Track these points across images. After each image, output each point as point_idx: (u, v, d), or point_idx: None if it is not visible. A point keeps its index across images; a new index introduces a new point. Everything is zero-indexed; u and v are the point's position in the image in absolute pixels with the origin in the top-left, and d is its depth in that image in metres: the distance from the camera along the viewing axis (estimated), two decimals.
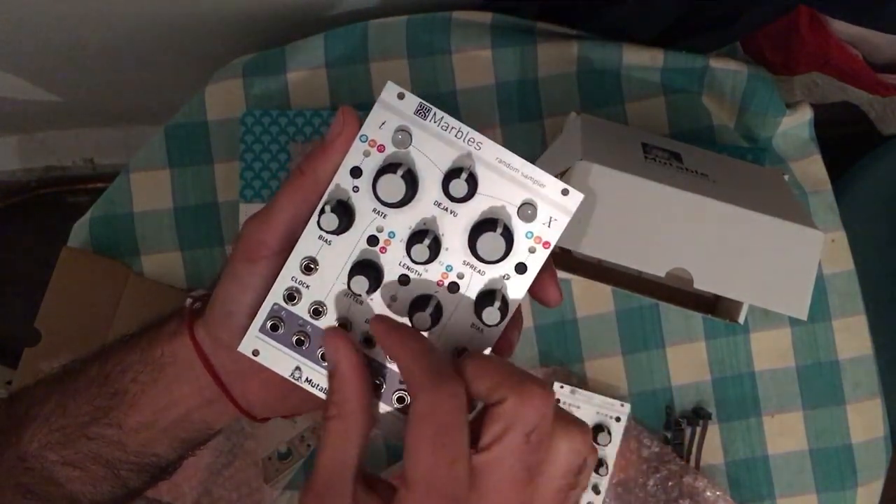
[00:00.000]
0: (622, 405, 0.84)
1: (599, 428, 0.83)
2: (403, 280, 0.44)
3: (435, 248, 0.43)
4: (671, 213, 0.62)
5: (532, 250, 0.44)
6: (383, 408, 0.45)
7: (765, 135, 0.87)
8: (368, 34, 0.87)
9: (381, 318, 0.44)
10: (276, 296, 0.45)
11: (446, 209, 0.43)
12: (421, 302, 0.44)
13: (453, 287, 0.44)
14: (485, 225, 0.42)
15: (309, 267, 0.44)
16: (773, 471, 0.87)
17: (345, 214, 0.43)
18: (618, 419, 0.84)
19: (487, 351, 0.45)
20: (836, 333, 0.87)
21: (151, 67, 1.05)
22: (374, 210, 0.43)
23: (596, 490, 0.83)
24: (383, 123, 0.42)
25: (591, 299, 0.87)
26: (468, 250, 0.43)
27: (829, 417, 0.87)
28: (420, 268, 0.44)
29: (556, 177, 0.44)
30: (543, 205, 0.43)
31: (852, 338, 0.87)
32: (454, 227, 0.43)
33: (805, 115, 0.87)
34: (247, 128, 0.85)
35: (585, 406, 0.84)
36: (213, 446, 0.83)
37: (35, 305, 0.86)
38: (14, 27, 0.84)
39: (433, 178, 0.43)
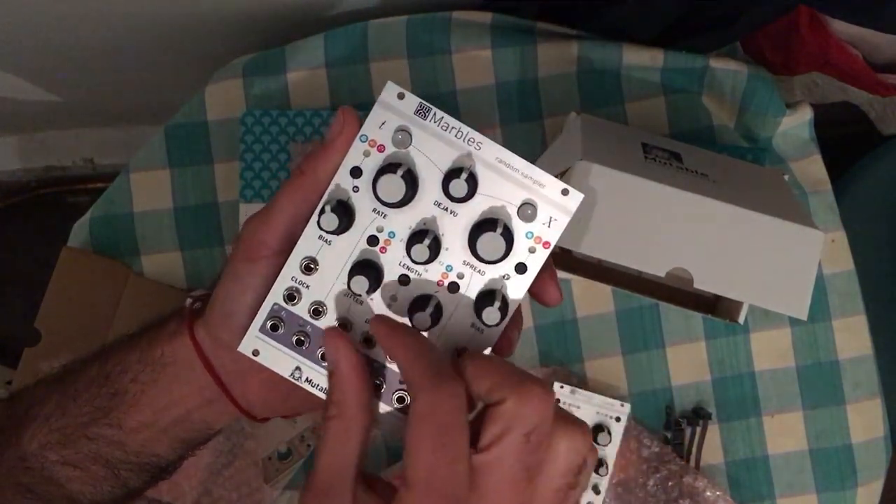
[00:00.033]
0: (622, 405, 0.84)
1: (599, 428, 0.83)
2: (403, 280, 0.44)
3: (435, 248, 0.43)
4: (671, 213, 0.62)
5: (532, 250, 0.44)
6: (383, 408, 0.45)
7: (765, 135, 0.87)
8: (368, 34, 0.87)
9: (381, 318, 0.44)
10: (276, 296, 0.45)
11: (446, 209, 0.43)
12: (421, 302, 0.44)
13: (453, 287, 0.44)
14: (485, 225, 0.42)
15: (309, 267, 0.44)
16: (773, 471, 0.87)
17: (345, 214, 0.43)
18: (618, 419, 0.84)
19: (487, 351, 0.45)
20: (836, 333, 0.87)
21: (151, 67, 1.05)
22: (374, 210, 0.43)
23: (596, 490, 0.83)
24: (383, 123, 0.42)
25: (591, 299, 0.87)
26: (468, 250, 0.43)
27: (829, 417, 0.87)
28: (420, 268, 0.44)
29: (556, 177, 0.44)
30: (543, 205, 0.43)
31: (852, 338, 0.87)
32: (454, 227, 0.43)
33: (805, 115, 0.87)
34: (247, 128, 0.85)
35: (585, 406, 0.84)
36: (213, 446, 0.83)
37: (35, 305, 0.86)
38: (14, 27, 0.84)
39: (433, 178, 0.43)
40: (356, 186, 0.43)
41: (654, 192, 0.62)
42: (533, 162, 0.43)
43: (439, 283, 0.44)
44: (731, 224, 0.62)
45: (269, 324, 0.45)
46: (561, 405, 0.83)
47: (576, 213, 0.43)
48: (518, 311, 0.46)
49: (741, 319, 0.72)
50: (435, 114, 0.42)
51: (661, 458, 0.86)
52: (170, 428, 0.51)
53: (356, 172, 0.43)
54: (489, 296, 0.43)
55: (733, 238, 0.62)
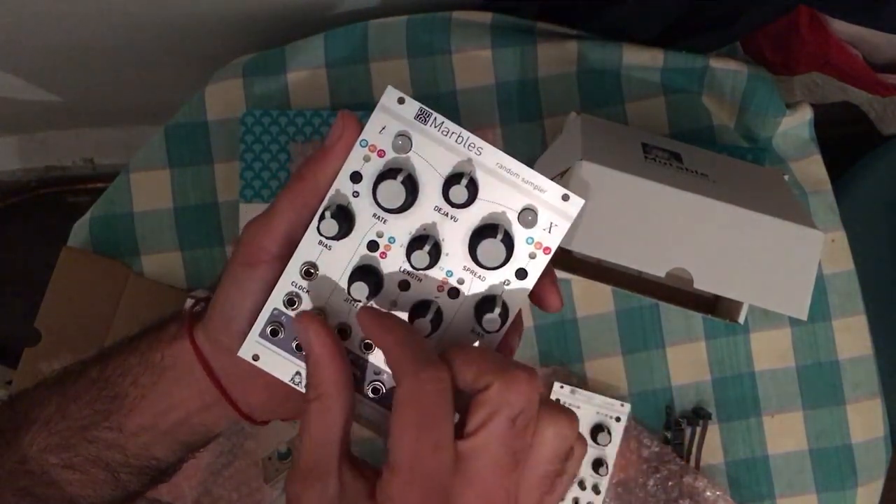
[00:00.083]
0: (622, 405, 0.84)
1: (599, 428, 0.84)
2: (403, 285, 0.44)
3: (435, 254, 0.43)
4: (671, 213, 0.62)
5: (532, 256, 0.43)
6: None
7: (765, 135, 0.87)
8: (368, 34, 0.87)
9: (367, 308, 0.44)
10: (276, 301, 0.45)
11: (447, 214, 0.43)
12: (421, 307, 0.44)
13: (453, 293, 0.44)
14: (485, 231, 0.42)
15: (309, 272, 0.44)
16: (773, 471, 0.87)
17: (345, 220, 0.42)
18: (618, 419, 0.84)
19: None
20: (836, 333, 0.87)
21: (151, 67, 1.05)
22: (375, 215, 0.43)
23: (596, 490, 0.83)
24: (383, 128, 0.42)
25: (591, 299, 0.87)
26: (468, 256, 0.43)
27: (829, 417, 0.87)
28: (420, 273, 0.44)
29: (556, 177, 0.44)
30: (544, 210, 0.43)
31: (852, 338, 0.87)
32: (454, 233, 0.43)
33: (805, 115, 0.87)
34: (247, 128, 0.85)
35: (585, 406, 0.84)
36: (213, 447, 0.83)
37: (35, 305, 0.86)
38: (14, 27, 0.84)
39: (433, 184, 0.43)
40: (356, 191, 0.43)
41: (654, 192, 0.62)
42: (533, 162, 0.43)
43: (439, 289, 0.44)
44: (731, 224, 0.62)
45: (269, 329, 0.45)
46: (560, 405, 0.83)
47: (576, 218, 0.43)
48: (518, 316, 0.45)
49: (741, 319, 0.72)
50: (435, 119, 0.42)
51: (661, 458, 0.86)
52: (170, 431, 0.51)
53: (356, 177, 0.43)
54: (489, 302, 0.43)
55: (733, 238, 0.62)
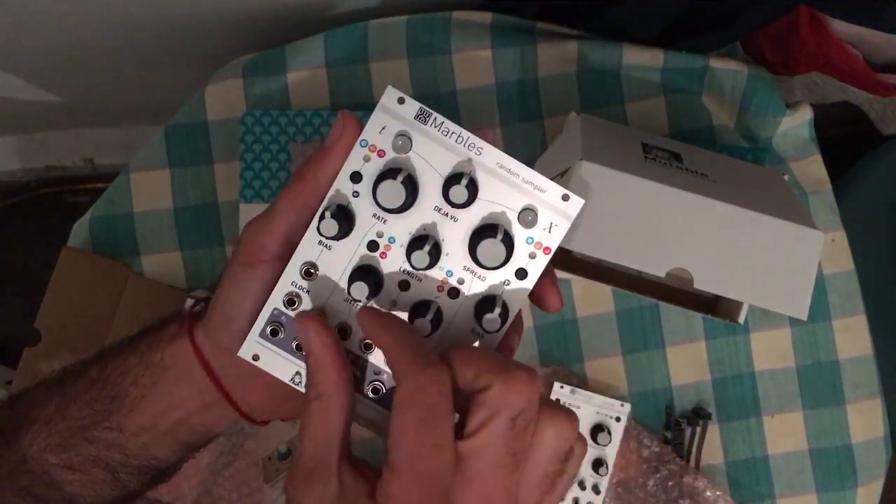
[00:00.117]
0: (622, 405, 0.84)
1: (599, 428, 0.84)
2: (403, 285, 0.44)
3: (435, 254, 0.43)
4: (671, 213, 0.62)
5: (532, 256, 0.43)
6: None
7: (765, 135, 0.87)
8: (368, 34, 0.87)
9: (367, 308, 0.44)
10: (276, 301, 0.44)
11: (447, 214, 0.43)
12: (421, 307, 0.44)
13: (453, 293, 0.44)
14: (485, 231, 0.42)
15: (309, 272, 0.44)
16: (773, 471, 0.87)
17: (345, 220, 0.42)
18: (618, 419, 0.84)
19: None
20: (836, 333, 0.87)
21: (151, 67, 1.05)
22: (374, 215, 0.43)
23: (596, 490, 0.83)
24: (383, 128, 0.42)
25: (591, 299, 0.87)
26: (468, 256, 0.43)
27: (829, 417, 0.87)
28: (420, 273, 0.44)
29: (556, 177, 0.44)
30: (544, 210, 0.43)
31: (852, 338, 0.87)
32: (454, 233, 0.43)
33: (805, 115, 0.87)
34: (247, 128, 0.85)
35: (585, 406, 0.84)
36: (212, 447, 0.83)
37: (35, 305, 0.86)
38: (14, 27, 0.84)
39: (433, 184, 0.43)
40: (356, 191, 0.43)
41: (654, 192, 0.62)
42: (533, 162, 0.43)
43: (439, 289, 0.44)
44: (731, 224, 0.62)
45: (269, 329, 0.45)
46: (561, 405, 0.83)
47: (576, 218, 0.43)
48: (518, 316, 0.45)
49: (741, 319, 0.72)
50: (435, 119, 0.42)
51: (661, 458, 0.86)
52: (170, 431, 0.51)
53: (356, 177, 0.43)
54: (489, 302, 0.43)
55: (733, 238, 0.62)
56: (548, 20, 0.88)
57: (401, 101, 0.42)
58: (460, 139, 0.42)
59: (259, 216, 0.46)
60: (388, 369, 0.44)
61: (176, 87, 1.04)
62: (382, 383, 0.45)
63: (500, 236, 0.42)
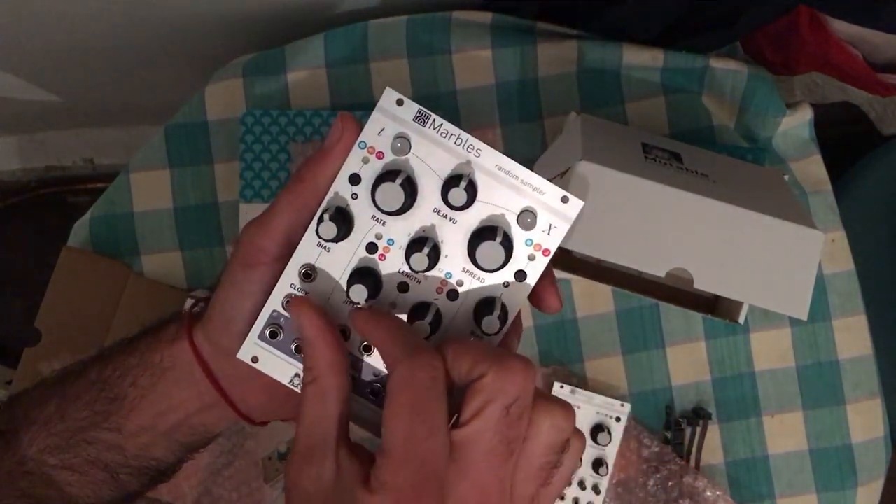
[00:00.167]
0: (622, 405, 0.84)
1: (599, 428, 0.84)
2: (402, 287, 0.44)
3: (434, 256, 0.43)
4: (671, 213, 0.62)
5: (532, 258, 0.43)
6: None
7: (765, 135, 0.87)
8: (368, 34, 0.87)
9: (359, 309, 0.44)
10: (275, 303, 0.44)
11: (445, 216, 0.43)
12: (420, 309, 0.43)
13: (452, 294, 0.44)
14: (484, 233, 0.42)
15: (307, 274, 0.44)
16: (773, 471, 0.87)
17: (343, 222, 0.42)
18: (618, 419, 0.84)
19: None
20: (836, 333, 0.87)
21: (151, 67, 1.05)
22: (373, 217, 0.43)
23: (596, 490, 0.83)
24: (382, 130, 0.42)
25: (591, 299, 0.87)
26: (467, 258, 0.43)
27: (829, 417, 0.87)
28: (419, 275, 0.44)
29: (556, 177, 0.44)
30: (543, 212, 0.43)
31: (852, 338, 0.87)
32: (453, 235, 0.43)
33: (805, 115, 0.87)
34: (247, 128, 0.85)
35: (585, 406, 0.84)
36: (212, 447, 0.83)
37: (35, 305, 0.86)
38: (14, 27, 0.84)
39: (432, 186, 0.42)
40: (355, 193, 0.43)
41: (654, 192, 0.62)
42: (533, 162, 0.43)
43: (438, 291, 0.44)
44: (731, 224, 0.62)
45: (267, 331, 0.45)
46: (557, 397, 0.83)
47: (575, 219, 0.43)
48: (518, 318, 0.45)
49: (741, 319, 0.72)
50: (434, 120, 0.42)
51: (661, 458, 0.86)
52: (169, 432, 0.51)
53: (355, 179, 0.43)
54: (489, 304, 0.43)
55: (733, 238, 0.62)
56: (548, 20, 0.88)
57: (399, 102, 0.42)
58: (459, 141, 0.42)
59: (258, 217, 0.46)
60: (386, 371, 0.44)
61: (176, 87, 1.04)
62: (382, 385, 0.45)
63: (499, 238, 0.42)
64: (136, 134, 1.39)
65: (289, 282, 0.44)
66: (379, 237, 0.43)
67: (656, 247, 0.62)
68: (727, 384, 0.87)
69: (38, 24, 0.84)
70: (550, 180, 0.43)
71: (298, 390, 0.45)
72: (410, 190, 0.42)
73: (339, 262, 0.44)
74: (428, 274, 0.44)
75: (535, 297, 0.45)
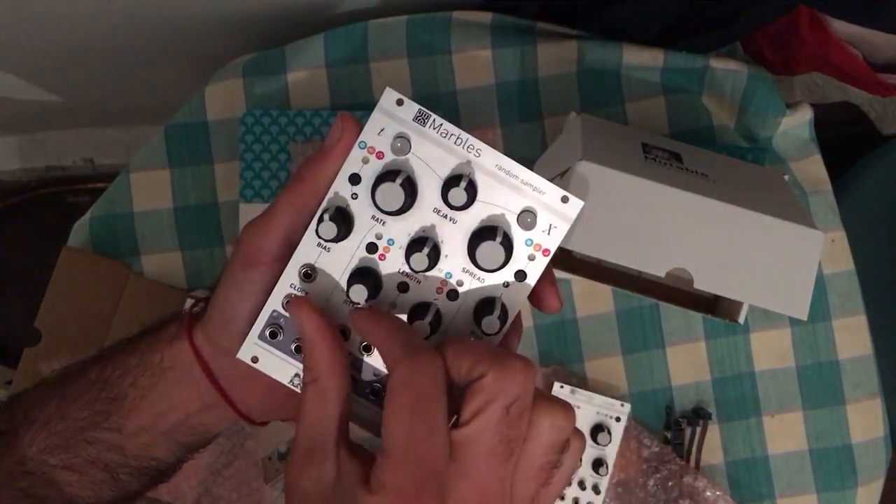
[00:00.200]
0: (622, 405, 0.84)
1: (599, 428, 0.83)
2: (402, 287, 0.44)
3: (434, 256, 0.43)
4: (671, 213, 0.62)
5: (532, 258, 0.43)
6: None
7: (765, 135, 0.87)
8: (368, 34, 0.87)
9: (359, 309, 0.44)
10: (275, 303, 0.44)
11: (445, 216, 0.43)
12: (420, 309, 0.43)
13: (452, 294, 0.44)
14: (484, 233, 0.42)
15: (308, 274, 0.44)
16: (773, 471, 0.87)
17: (343, 222, 0.42)
18: (618, 419, 0.84)
19: None
20: (836, 333, 0.87)
21: (151, 67, 1.05)
22: (373, 217, 0.43)
23: (596, 490, 0.83)
24: (382, 130, 0.42)
25: (591, 299, 0.87)
26: (468, 258, 0.43)
27: (829, 417, 0.87)
28: (419, 275, 0.44)
29: (556, 177, 0.43)
30: (543, 212, 0.43)
31: (852, 338, 0.87)
32: (453, 235, 0.43)
33: (805, 115, 0.87)
34: (247, 128, 0.85)
35: (585, 406, 0.84)
36: (212, 447, 0.83)
37: (35, 305, 0.86)
38: (14, 27, 0.84)
39: (432, 186, 0.42)
40: (355, 193, 0.43)
41: (654, 192, 0.62)
42: (533, 162, 0.43)
43: (438, 291, 0.44)
44: (731, 224, 0.62)
45: (267, 331, 0.45)
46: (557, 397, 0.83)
47: (575, 219, 0.43)
48: (518, 318, 0.45)
49: (741, 319, 0.72)
50: (434, 120, 0.42)
51: (661, 458, 0.86)
52: (169, 432, 0.51)
53: (355, 179, 0.43)
54: (489, 304, 0.43)
55: (733, 238, 0.62)
56: (548, 20, 0.88)
57: (399, 102, 0.42)
58: (459, 141, 0.42)
59: (258, 217, 0.46)
60: (386, 371, 0.44)
61: (176, 87, 1.04)
62: (381, 385, 0.45)
63: (499, 238, 0.42)
64: (136, 134, 1.39)
65: (289, 282, 0.44)
66: (379, 237, 0.43)
67: (656, 247, 0.62)
68: (727, 384, 0.87)
69: (38, 24, 0.84)
70: (550, 180, 0.43)
71: (298, 390, 0.45)
72: (410, 190, 0.42)
73: (339, 262, 0.44)
74: (428, 274, 0.44)
75: (535, 297, 0.45)
